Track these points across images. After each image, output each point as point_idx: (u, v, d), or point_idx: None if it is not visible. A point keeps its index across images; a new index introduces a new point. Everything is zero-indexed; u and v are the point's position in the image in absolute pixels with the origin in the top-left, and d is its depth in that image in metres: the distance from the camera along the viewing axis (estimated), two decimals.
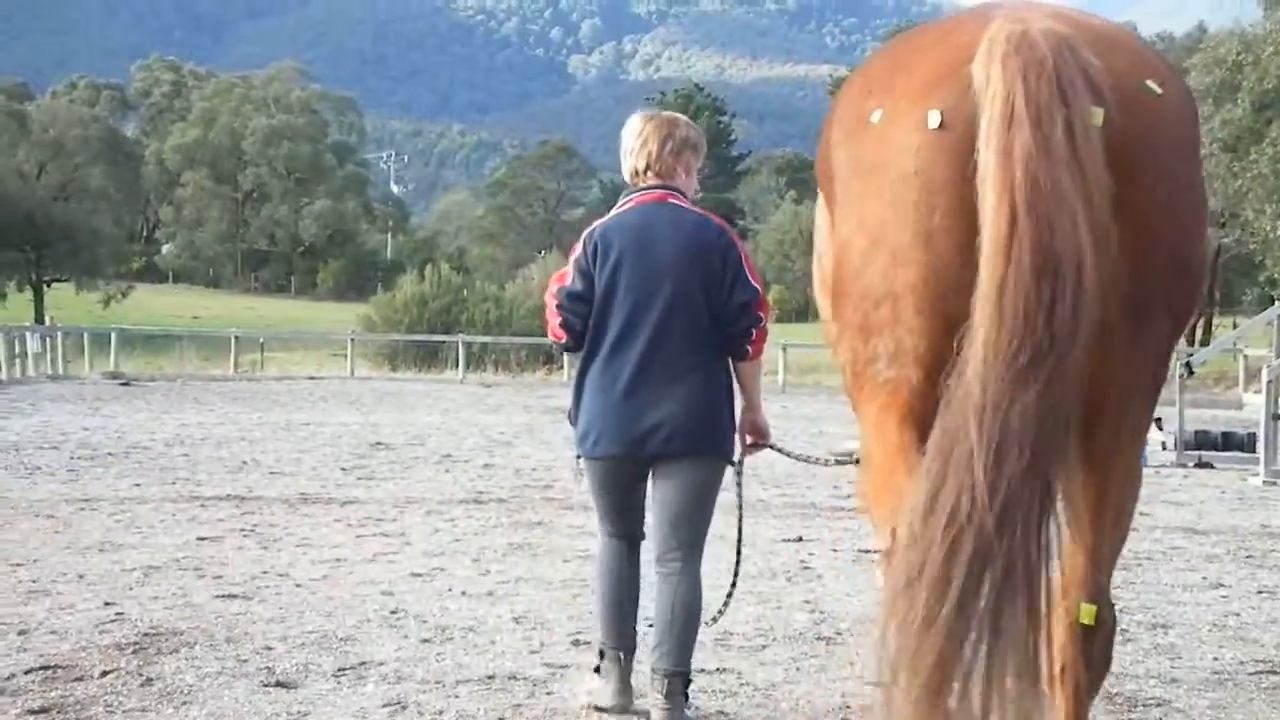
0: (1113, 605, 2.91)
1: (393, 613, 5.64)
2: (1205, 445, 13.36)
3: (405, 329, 39.18)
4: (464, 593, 6.13)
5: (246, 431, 14.73)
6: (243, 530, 7.72)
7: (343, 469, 11.26)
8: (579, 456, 4.17)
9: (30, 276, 59.54)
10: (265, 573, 6.43)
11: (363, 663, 4.79)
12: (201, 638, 5.06)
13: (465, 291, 41.95)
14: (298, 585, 6.16)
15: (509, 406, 20.89)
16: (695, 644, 4.11)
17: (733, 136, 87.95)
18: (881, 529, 2.96)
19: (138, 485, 9.76)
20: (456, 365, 31.91)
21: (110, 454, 11.93)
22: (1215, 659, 5.15)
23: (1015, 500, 2.38)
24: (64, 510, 8.34)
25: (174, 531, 7.63)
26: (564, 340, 4.13)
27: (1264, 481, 11.19)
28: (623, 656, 4.18)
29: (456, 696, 4.39)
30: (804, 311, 56.64)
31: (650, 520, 4.17)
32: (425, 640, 5.17)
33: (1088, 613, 2.82)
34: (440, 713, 4.20)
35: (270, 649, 4.93)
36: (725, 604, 4.49)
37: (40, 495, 9.03)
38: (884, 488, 2.92)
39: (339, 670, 4.67)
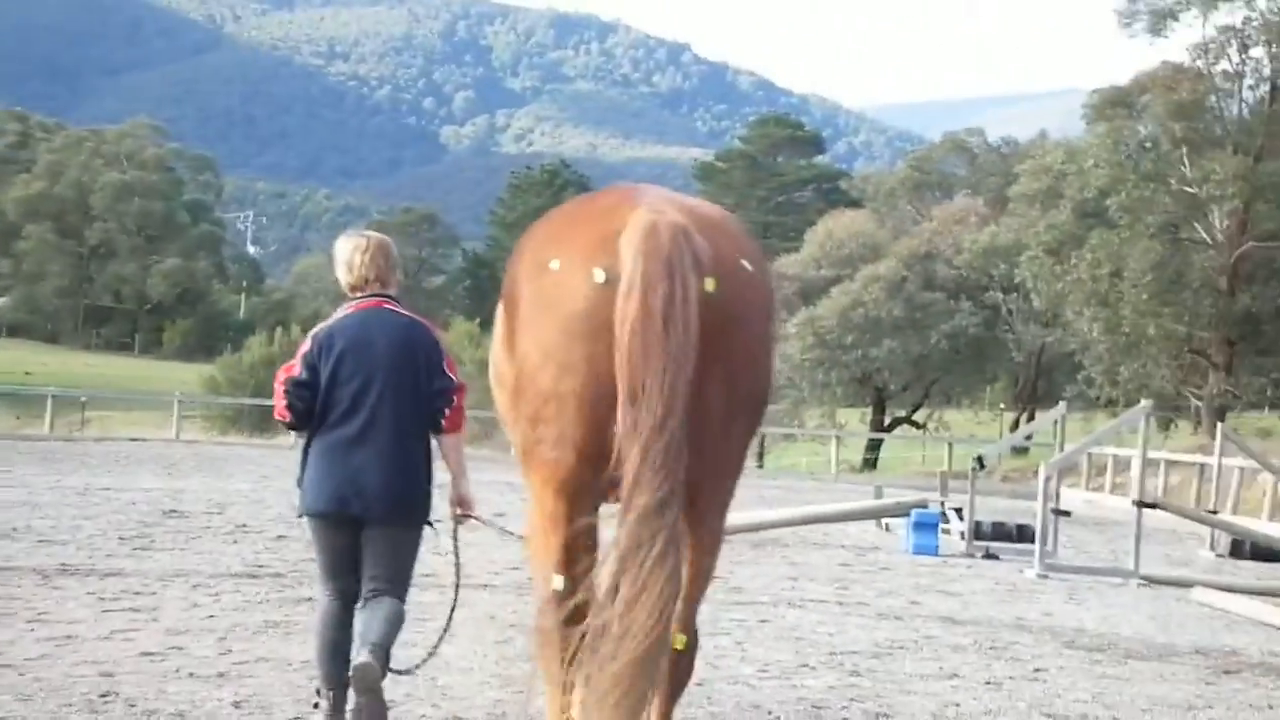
0: (696, 633, 3.98)
1: (102, 696, 5.42)
2: (1001, 536, 13.78)
3: (251, 391, 38.22)
4: (192, 674, 5.93)
5: (35, 495, 14.08)
6: None
7: (121, 538, 10.84)
8: (300, 515, 4.87)
9: None
10: None
11: None
12: None
13: None
14: (6, 665, 5.87)
15: None
16: (393, 644, 4.66)
17: None
18: (537, 578, 3.90)
19: None
20: None
21: None
22: None
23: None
24: None
25: None
26: (287, 419, 4.85)
27: (1038, 575, 11.55)
28: (335, 694, 4.70)
29: None
30: None
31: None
32: None
33: (680, 640, 3.80)
34: None
35: None
36: (430, 654, 5.12)
37: None
38: (541, 546, 3.81)
39: None
